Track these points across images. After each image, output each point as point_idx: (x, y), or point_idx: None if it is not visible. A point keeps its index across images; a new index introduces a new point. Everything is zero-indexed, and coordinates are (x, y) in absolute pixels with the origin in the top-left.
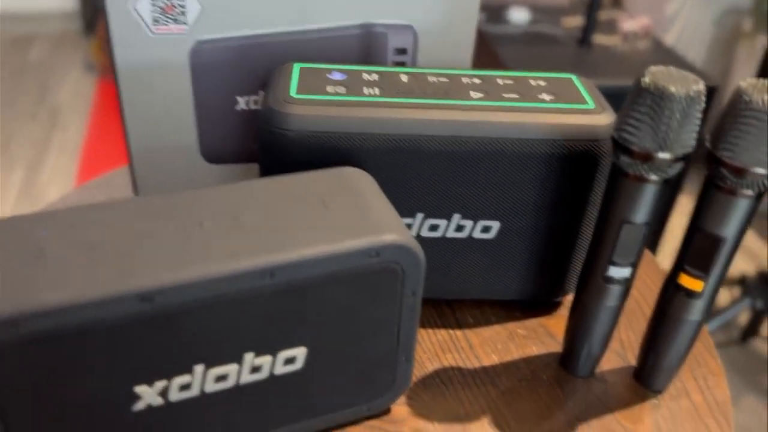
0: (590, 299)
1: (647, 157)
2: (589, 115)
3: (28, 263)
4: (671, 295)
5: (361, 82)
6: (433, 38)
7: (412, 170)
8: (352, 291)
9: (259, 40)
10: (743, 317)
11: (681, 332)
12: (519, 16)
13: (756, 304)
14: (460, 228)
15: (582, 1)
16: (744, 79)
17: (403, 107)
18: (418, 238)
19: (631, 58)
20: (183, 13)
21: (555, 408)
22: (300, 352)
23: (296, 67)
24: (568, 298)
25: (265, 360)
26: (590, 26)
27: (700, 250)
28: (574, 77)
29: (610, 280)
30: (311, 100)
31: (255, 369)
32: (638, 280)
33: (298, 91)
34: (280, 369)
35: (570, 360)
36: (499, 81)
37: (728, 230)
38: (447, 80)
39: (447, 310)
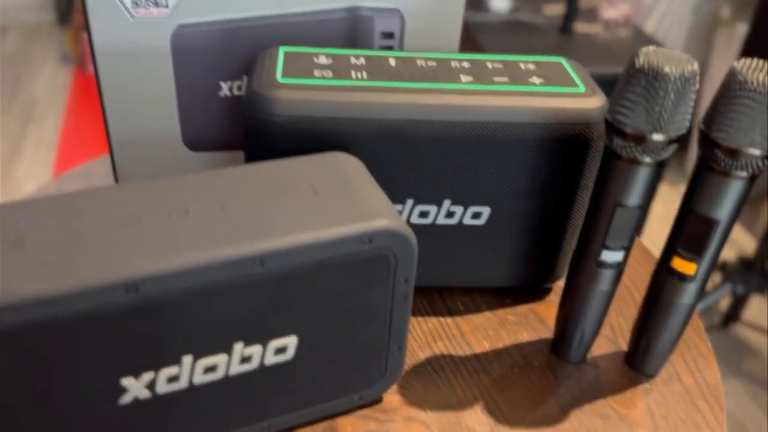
0: (583, 284)
1: (641, 139)
2: (580, 98)
3: (8, 253)
4: (663, 278)
5: (348, 66)
6: (420, 22)
7: (402, 156)
8: (344, 279)
9: (243, 23)
10: (724, 302)
11: (673, 316)
12: (500, 4)
13: (737, 290)
14: (450, 214)
15: None
16: (723, 65)
17: (392, 91)
18: (408, 225)
19: (612, 45)
20: None
21: (548, 394)
22: (291, 342)
23: (281, 51)
24: (558, 284)
25: (255, 350)
26: (571, 14)
27: (693, 232)
28: (563, 60)
29: (602, 265)
30: (298, 84)
31: (245, 359)
32: (627, 264)
33: (284, 75)
34: (271, 359)
35: (562, 346)
36: (489, 65)
37: (722, 212)
38: (436, 64)
39: (437, 297)
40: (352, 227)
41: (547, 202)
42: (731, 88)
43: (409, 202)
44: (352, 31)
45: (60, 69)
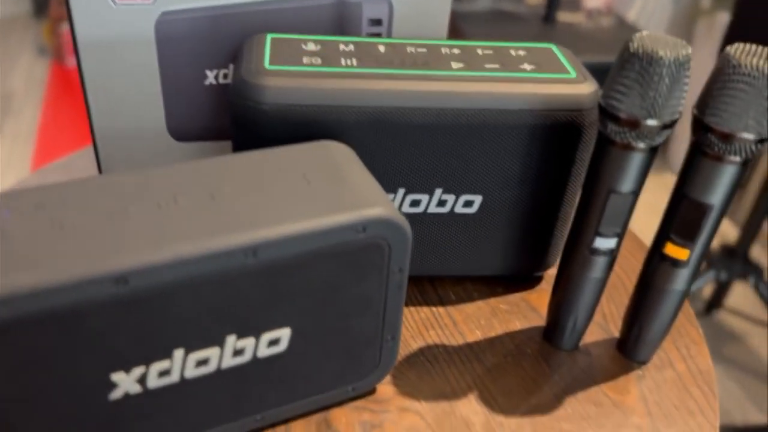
0: (576, 271)
1: (635, 125)
2: (572, 84)
3: None
4: (656, 264)
5: (337, 53)
6: (408, 8)
7: (393, 144)
8: (337, 268)
9: (228, 11)
10: (707, 289)
11: (666, 302)
12: None
13: (720, 276)
14: (442, 203)
15: None
16: (704, 54)
17: (383, 78)
18: None
19: (595, 34)
20: None
21: (541, 382)
22: (284, 334)
23: (268, 38)
24: (550, 273)
25: (247, 342)
26: (554, 3)
27: (686, 218)
28: (553, 47)
29: (595, 252)
30: (286, 71)
31: (237, 352)
32: None
33: (272, 63)
34: (264, 351)
35: (554, 333)
36: (479, 51)
37: (715, 197)
38: (426, 51)
39: (429, 287)
40: (345, 216)
41: (539, 189)
42: (725, 72)
43: (401, 191)
44: (340, 18)
45: (37, 61)
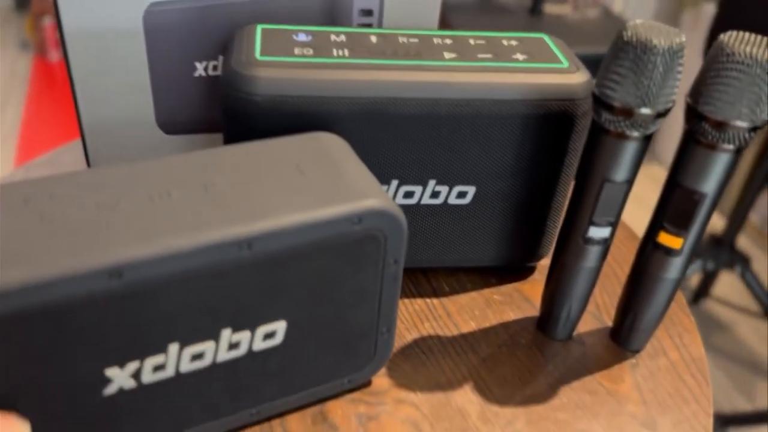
0: (570, 261)
1: (629, 113)
2: (565, 74)
3: None
4: (649, 253)
5: (329, 44)
6: None
7: (386, 135)
8: (333, 261)
9: (217, 1)
10: (694, 279)
11: (659, 290)
12: None
13: (707, 266)
14: (435, 194)
15: None
16: (689, 45)
17: (375, 69)
18: None
19: (582, 26)
20: None
21: (536, 372)
22: (279, 326)
23: (258, 29)
24: (542, 263)
25: (243, 336)
26: None
27: (680, 207)
28: (545, 37)
29: (589, 241)
30: (278, 62)
31: (233, 346)
32: None
33: (263, 53)
34: (259, 344)
35: (548, 323)
36: (471, 41)
37: (708, 186)
38: (418, 41)
39: (422, 278)
40: (340, 208)
41: (533, 179)
42: (718, 60)
43: (394, 182)
44: (330, 9)
45: (19, 56)
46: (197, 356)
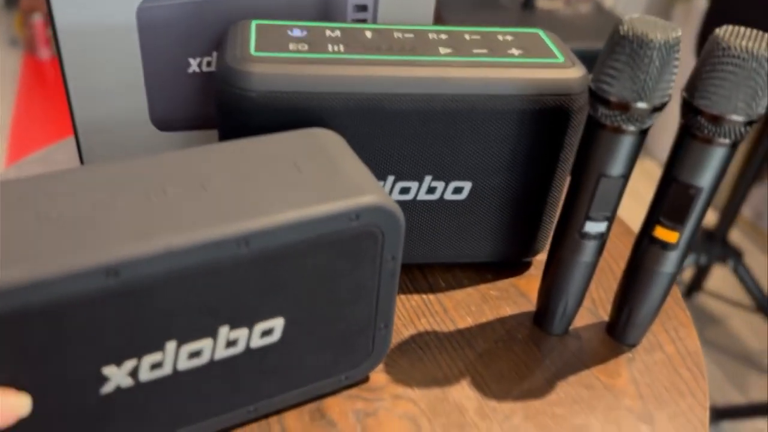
0: (566, 255)
1: (626, 108)
2: (560, 69)
3: None
4: (645, 247)
5: (324, 39)
6: None
7: (382, 130)
8: (330, 257)
9: None
10: (687, 273)
11: (655, 285)
12: None
13: (700, 260)
14: (431, 190)
15: None
16: (682, 40)
17: (371, 64)
18: None
19: (574, 21)
20: None
21: (533, 366)
22: (277, 323)
23: (253, 24)
24: (538, 258)
25: (240, 333)
26: None
27: (676, 201)
28: (540, 32)
29: (586, 236)
30: (273, 57)
31: (230, 343)
32: None
33: (258, 49)
34: (257, 342)
35: (545, 318)
36: (467, 36)
37: (704, 180)
38: (413, 36)
39: (419, 274)
40: (338, 204)
41: (528, 175)
42: (714, 55)
43: (390, 178)
44: (324, 4)
45: (9, 54)
46: (195, 354)
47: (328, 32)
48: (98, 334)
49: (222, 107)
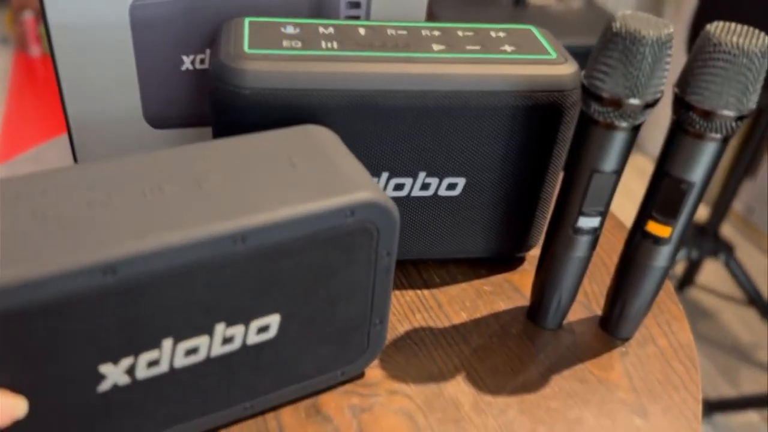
0: (560, 251)
1: (618, 104)
2: (553, 65)
3: None
4: (638, 242)
5: (317, 36)
6: None
7: (376, 127)
8: (326, 253)
9: None
10: (679, 267)
11: (648, 279)
12: None
13: (691, 255)
14: (425, 186)
15: None
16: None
17: (364, 61)
18: None
19: (566, 17)
20: None
21: (527, 361)
22: (273, 320)
23: (246, 22)
24: (531, 254)
25: (237, 330)
26: None
27: (668, 196)
28: (533, 28)
29: (579, 231)
30: (267, 54)
31: (227, 340)
32: None
33: (251, 46)
34: (253, 338)
35: (539, 313)
36: (460, 33)
37: (696, 174)
38: (406, 33)
39: (413, 270)
40: (333, 200)
41: (522, 170)
42: (705, 51)
43: (384, 175)
44: (317, 2)
45: None
46: (191, 351)
47: (321, 29)
48: (95, 333)
49: (216, 104)
